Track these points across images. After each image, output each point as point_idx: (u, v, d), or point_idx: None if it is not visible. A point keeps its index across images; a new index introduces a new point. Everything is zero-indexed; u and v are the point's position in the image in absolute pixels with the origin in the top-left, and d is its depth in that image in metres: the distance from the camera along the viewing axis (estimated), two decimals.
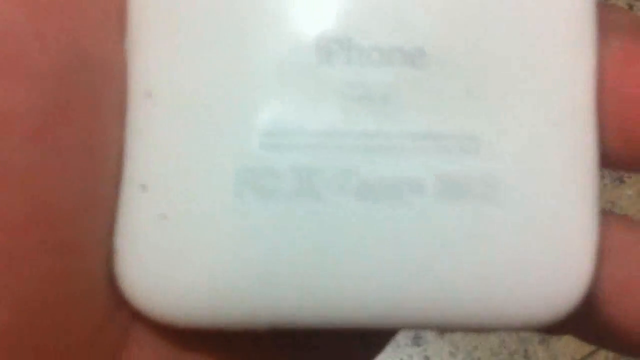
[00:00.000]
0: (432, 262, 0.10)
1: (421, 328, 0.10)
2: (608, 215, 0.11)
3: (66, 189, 0.10)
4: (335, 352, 0.13)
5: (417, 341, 0.51)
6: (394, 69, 0.10)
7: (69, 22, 0.10)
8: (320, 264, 0.10)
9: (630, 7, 0.55)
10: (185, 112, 0.10)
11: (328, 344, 0.12)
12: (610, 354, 0.51)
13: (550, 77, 0.10)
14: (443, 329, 0.11)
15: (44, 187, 0.09)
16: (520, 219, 0.10)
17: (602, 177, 0.56)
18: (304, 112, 0.10)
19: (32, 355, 0.10)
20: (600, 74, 0.11)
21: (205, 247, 0.10)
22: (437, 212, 0.10)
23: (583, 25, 0.11)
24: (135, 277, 0.10)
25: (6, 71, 0.09)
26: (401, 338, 0.50)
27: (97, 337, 0.10)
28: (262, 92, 0.10)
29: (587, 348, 0.51)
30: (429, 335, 0.51)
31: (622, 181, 0.57)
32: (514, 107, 0.10)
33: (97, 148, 0.10)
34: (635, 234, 0.11)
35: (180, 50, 0.10)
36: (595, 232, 0.11)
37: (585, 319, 0.11)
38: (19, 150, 0.09)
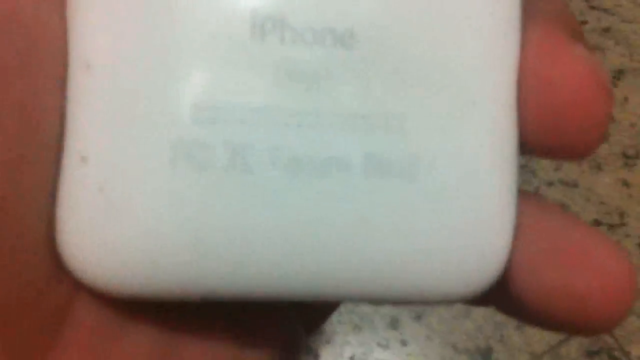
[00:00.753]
0: (356, 237, 0.10)
1: (345, 300, 0.11)
2: (523, 194, 0.12)
3: None
4: (270, 321, 0.13)
5: (393, 325, 0.51)
6: (325, 49, 0.10)
7: None
8: (249, 236, 0.10)
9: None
10: (122, 84, 0.10)
11: (264, 313, 0.13)
12: (585, 340, 0.52)
13: (471, 57, 0.11)
14: (367, 301, 0.11)
15: None
16: (441, 196, 0.11)
17: (579, 164, 0.56)
18: (237, 87, 0.10)
19: None
20: (521, 58, 0.11)
21: (140, 218, 0.10)
22: (362, 189, 0.10)
23: (505, 9, 0.11)
24: (74, 247, 0.10)
25: None
26: (377, 321, 0.51)
27: (39, 301, 0.11)
28: (195, 66, 0.10)
29: (560, 336, 0.52)
30: (406, 319, 0.51)
31: (600, 168, 0.58)
32: (436, 87, 0.11)
33: (31, 112, 0.10)
34: (545, 212, 0.12)
35: (117, 22, 0.10)
36: (513, 210, 0.11)
37: (503, 293, 0.12)
38: None
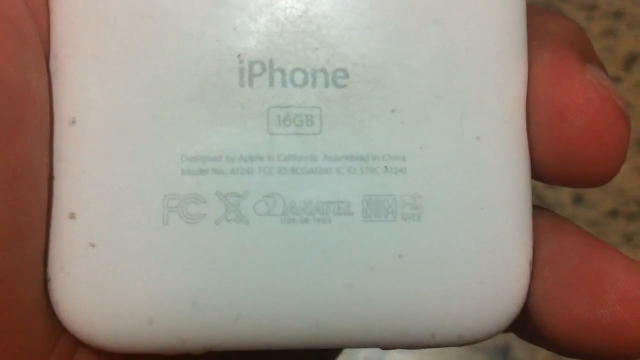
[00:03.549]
0: (359, 282, 0.10)
1: (348, 347, 0.11)
2: (541, 213, 0.12)
3: None
4: None
5: None
6: (317, 90, 0.10)
7: None
8: (250, 287, 0.10)
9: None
10: (110, 139, 0.10)
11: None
12: None
13: (473, 92, 0.11)
14: (372, 346, 0.11)
15: None
16: (449, 237, 0.11)
17: None
18: (227, 136, 0.10)
19: None
20: (532, 86, 0.11)
21: (135, 275, 0.10)
22: (363, 233, 0.10)
23: (511, 40, 0.11)
24: (69, 305, 0.10)
25: None
26: None
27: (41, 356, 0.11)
28: (184, 117, 0.10)
29: None
30: None
31: None
32: (438, 124, 0.11)
33: (21, 175, 0.10)
34: (563, 235, 0.12)
35: (103, 77, 0.10)
36: (528, 244, 0.11)
37: (525, 323, 0.12)
38: None
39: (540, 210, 0.12)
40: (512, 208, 0.11)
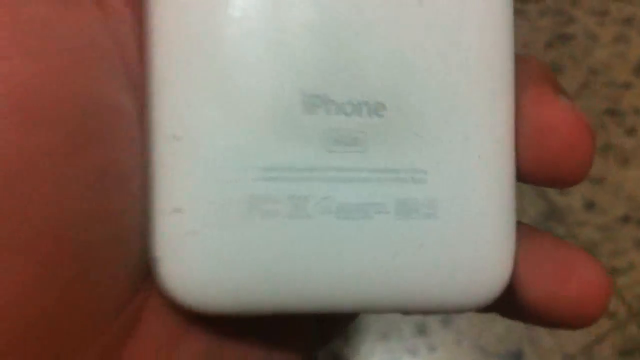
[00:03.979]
0: (392, 263, 0.14)
1: (384, 312, 0.15)
2: (520, 225, 0.16)
3: (91, 200, 0.13)
4: (293, 330, 0.17)
5: (421, 331, 0.52)
6: (361, 119, 0.14)
7: (82, 79, 0.13)
8: (311, 266, 0.14)
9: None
10: (206, 152, 0.14)
11: (289, 323, 0.17)
12: (617, 341, 0.52)
13: (477, 120, 0.15)
14: (400, 311, 0.15)
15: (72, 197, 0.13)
16: (457, 230, 0.14)
17: (605, 159, 0.56)
18: (295, 152, 0.14)
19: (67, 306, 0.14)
20: (519, 113, 0.15)
21: (228, 256, 0.14)
22: (395, 227, 0.14)
23: (502, 78, 0.15)
24: (176, 279, 0.14)
25: (31, 119, 0.13)
26: (405, 329, 0.51)
27: (124, 306, 0.14)
28: (263, 136, 0.14)
29: (592, 336, 0.52)
30: (434, 325, 0.51)
31: (626, 163, 0.58)
32: (449, 145, 0.14)
33: (109, 173, 0.14)
34: (537, 236, 0.16)
35: (199, 100, 0.14)
36: (513, 237, 0.15)
37: (507, 301, 0.16)
38: (43, 180, 0.13)
39: (519, 223, 0.16)
40: (504, 209, 0.15)
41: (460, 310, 0.15)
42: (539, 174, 0.15)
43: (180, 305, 0.14)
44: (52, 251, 0.13)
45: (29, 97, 0.13)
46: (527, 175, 0.16)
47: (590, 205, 0.57)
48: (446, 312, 0.15)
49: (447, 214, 0.14)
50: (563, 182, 0.15)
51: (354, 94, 0.14)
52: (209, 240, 0.14)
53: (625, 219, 0.56)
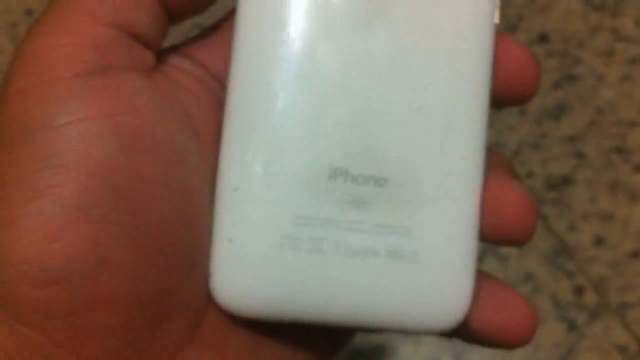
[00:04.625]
0: (382, 292, 0.20)
1: (375, 328, 0.20)
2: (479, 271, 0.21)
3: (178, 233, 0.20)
4: (312, 337, 0.23)
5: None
6: (369, 188, 0.20)
7: (172, 173, 0.19)
8: (322, 288, 0.20)
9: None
10: (255, 202, 0.20)
11: (309, 331, 0.22)
12: None
13: (456, 194, 0.20)
14: (388, 329, 0.20)
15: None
16: (430, 268, 0.20)
17: (614, 195, 0.57)
18: (319, 207, 0.20)
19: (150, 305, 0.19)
20: (485, 188, 0.21)
21: (262, 276, 0.20)
22: (384, 264, 0.20)
23: (477, 166, 0.21)
24: (224, 290, 0.20)
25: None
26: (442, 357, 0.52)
27: (185, 306, 0.20)
28: (297, 193, 0.20)
29: None
30: (446, 359, 0.52)
31: (635, 199, 0.59)
32: (432, 210, 0.20)
33: (188, 192, 0.20)
34: (492, 281, 0.22)
35: (253, 162, 0.20)
36: (473, 278, 0.21)
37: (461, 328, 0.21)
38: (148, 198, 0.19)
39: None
40: (468, 258, 0.20)
41: (434, 332, 0.20)
42: (495, 235, 0.21)
43: (227, 310, 0.20)
44: (155, 248, 0.19)
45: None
46: (486, 235, 0.21)
47: (599, 241, 0.58)
48: (422, 333, 0.20)
49: (424, 259, 0.20)
50: (513, 242, 0.21)
51: (366, 170, 0.20)
52: (250, 263, 0.19)
53: (635, 255, 0.57)
